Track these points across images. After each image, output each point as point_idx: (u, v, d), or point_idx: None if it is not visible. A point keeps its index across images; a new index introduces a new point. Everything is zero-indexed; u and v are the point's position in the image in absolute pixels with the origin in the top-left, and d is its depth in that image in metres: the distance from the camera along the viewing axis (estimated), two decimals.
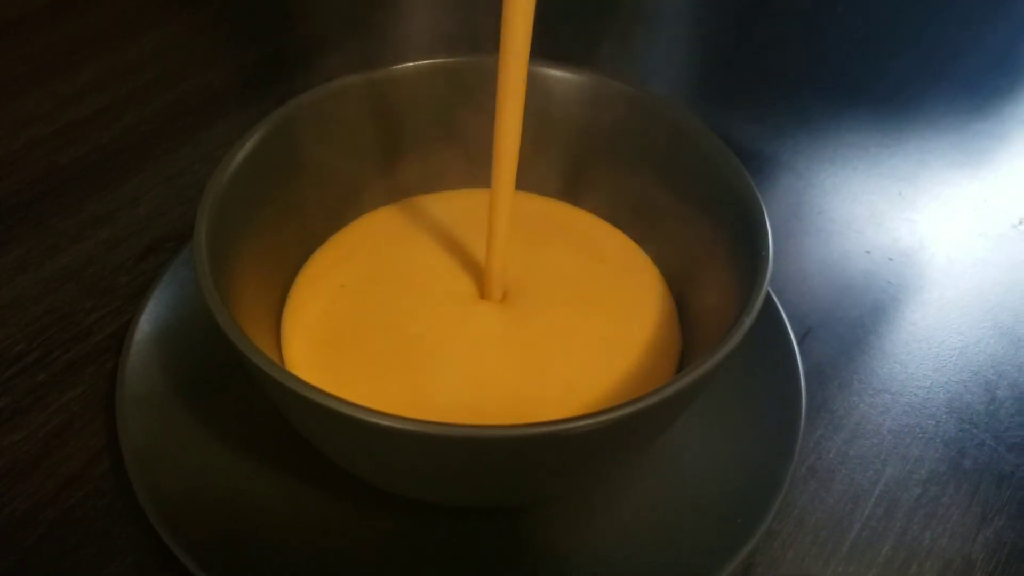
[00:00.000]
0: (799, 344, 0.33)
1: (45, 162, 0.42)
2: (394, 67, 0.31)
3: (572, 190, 0.35)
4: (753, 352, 0.29)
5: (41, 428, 0.31)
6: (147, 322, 0.32)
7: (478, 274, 0.31)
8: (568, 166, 0.34)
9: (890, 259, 0.40)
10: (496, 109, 0.27)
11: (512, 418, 0.25)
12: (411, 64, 0.32)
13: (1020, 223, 0.43)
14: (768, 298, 0.33)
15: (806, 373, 0.32)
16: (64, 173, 0.41)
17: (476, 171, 0.33)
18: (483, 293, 0.30)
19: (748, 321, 0.24)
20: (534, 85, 0.31)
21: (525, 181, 0.32)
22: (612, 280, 0.32)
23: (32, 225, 0.39)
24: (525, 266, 0.31)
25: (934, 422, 0.34)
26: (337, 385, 0.27)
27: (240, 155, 0.27)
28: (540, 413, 0.26)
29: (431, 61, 0.32)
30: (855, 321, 0.37)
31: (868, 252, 0.40)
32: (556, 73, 0.32)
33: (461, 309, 0.30)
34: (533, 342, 0.29)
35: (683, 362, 0.30)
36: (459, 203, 0.34)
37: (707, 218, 0.30)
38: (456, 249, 0.32)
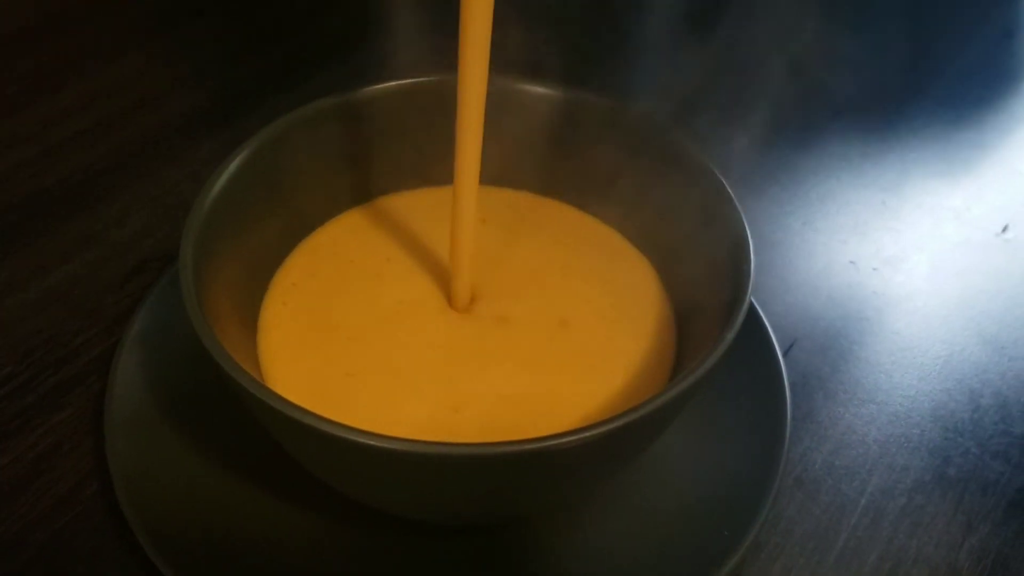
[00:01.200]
0: (784, 355, 0.33)
1: (31, 183, 0.42)
2: (372, 87, 0.32)
3: (547, 182, 0.34)
4: (738, 364, 0.30)
5: (29, 450, 0.31)
6: (134, 343, 0.32)
7: (446, 277, 0.31)
8: (543, 163, 0.34)
9: (874, 269, 0.40)
10: (458, 90, 0.26)
11: (484, 438, 0.25)
12: (390, 84, 0.32)
13: (1003, 231, 0.43)
14: (753, 309, 0.33)
15: (791, 384, 0.32)
16: (50, 194, 0.41)
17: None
18: (450, 300, 0.30)
19: (729, 337, 0.24)
20: (509, 101, 0.32)
21: (497, 175, 0.32)
22: (598, 276, 0.31)
23: (18, 246, 0.39)
24: (498, 265, 0.31)
25: (919, 431, 0.34)
26: (316, 402, 0.27)
27: (223, 178, 0.28)
28: (512, 431, 0.25)
29: (406, 81, 0.32)
30: (840, 331, 0.37)
31: (852, 262, 0.41)
32: (532, 89, 0.32)
33: (427, 319, 0.30)
34: (502, 353, 0.29)
35: (677, 366, 0.29)
36: (434, 200, 0.34)
37: (690, 229, 0.30)
38: (425, 251, 0.32)
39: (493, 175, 0.32)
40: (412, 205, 0.34)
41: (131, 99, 0.47)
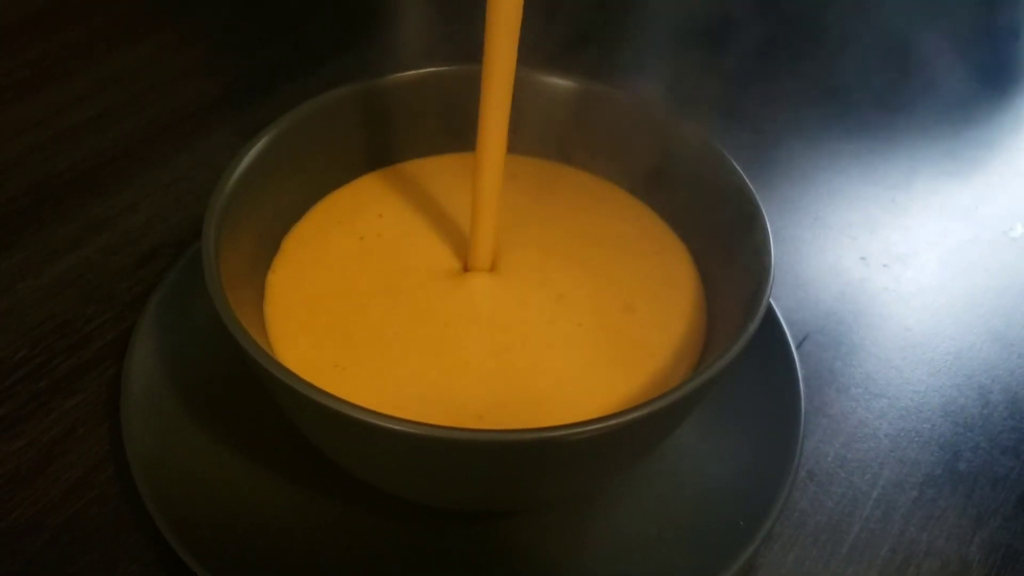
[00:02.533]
0: (797, 349, 0.33)
1: (43, 168, 0.42)
2: (389, 76, 0.32)
3: (571, 153, 0.34)
4: (753, 358, 0.30)
5: (44, 435, 0.31)
6: (148, 328, 0.32)
7: (464, 244, 0.30)
8: (565, 133, 0.33)
9: (884, 265, 0.40)
10: (484, 51, 0.26)
11: (494, 414, 0.25)
12: (409, 73, 0.32)
13: (1011, 229, 0.43)
14: (767, 304, 0.33)
15: (804, 378, 0.32)
16: (62, 179, 0.41)
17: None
18: (468, 264, 0.29)
19: (747, 336, 0.24)
20: (527, 95, 0.32)
21: (518, 144, 0.32)
22: (622, 247, 0.31)
23: (31, 231, 0.39)
24: (519, 231, 0.30)
25: (929, 426, 0.34)
26: (323, 374, 0.26)
27: (243, 164, 0.28)
28: (525, 412, 0.26)
29: (425, 70, 0.32)
30: (851, 327, 0.37)
31: (863, 258, 0.41)
32: (552, 81, 0.32)
33: (443, 284, 0.29)
34: (522, 324, 0.28)
35: (706, 346, 0.28)
36: (449, 167, 0.33)
37: (712, 219, 0.30)
38: (442, 217, 0.31)
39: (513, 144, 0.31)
40: (430, 170, 0.33)
41: (143, 86, 0.47)
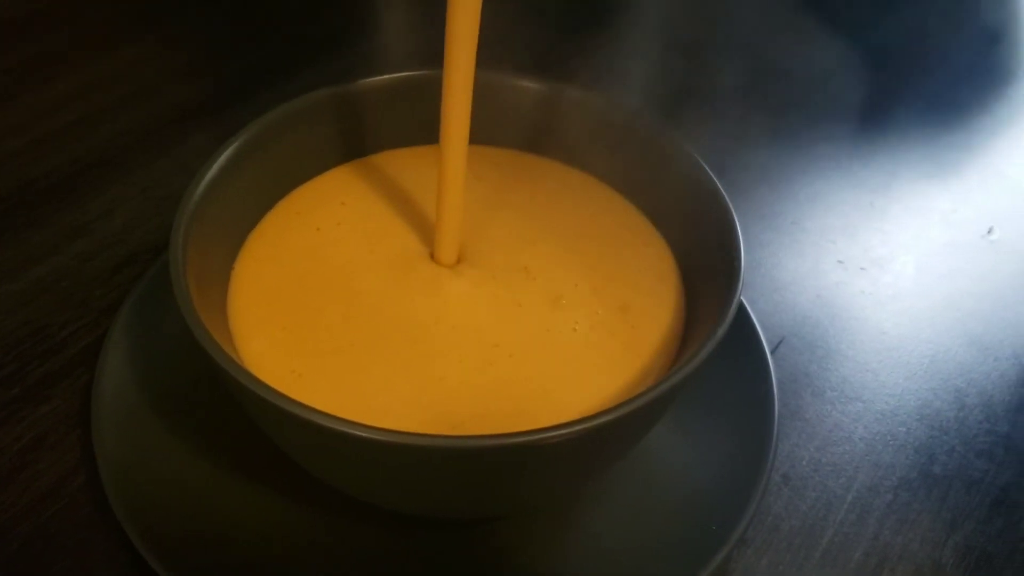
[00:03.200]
0: (772, 353, 0.33)
1: (20, 174, 0.41)
2: (362, 81, 0.32)
3: (540, 143, 0.33)
4: (726, 361, 0.30)
5: (15, 442, 0.31)
6: (122, 335, 0.32)
7: (430, 235, 0.29)
8: (540, 133, 0.33)
9: (862, 268, 0.41)
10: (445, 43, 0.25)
11: (462, 417, 0.25)
12: (380, 78, 0.32)
13: (989, 233, 0.43)
14: (741, 308, 0.33)
15: (779, 382, 0.32)
16: (39, 185, 0.41)
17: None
18: (435, 256, 0.28)
19: (714, 342, 0.24)
20: (500, 96, 0.32)
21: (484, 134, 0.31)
22: (596, 237, 0.30)
23: (6, 237, 0.38)
24: (486, 222, 0.30)
25: (905, 429, 0.34)
26: (282, 382, 0.25)
27: (214, 168, 0.28)
28: (500, 416, 0.25)
29: (397, 75, 0.32)
30: (827, 330, 0.37)
31: (841, 262, 0.41)
32: (524, 84, 0.32)
33: (411, 278, 0.28)
34: (490, 319, 0.27)
35: (682, 349, 0.28)
36: (421, 157, 0.33)
37: (688, 220, 0.30)
38: (408, 204, 0.31)
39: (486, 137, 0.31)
40: (400, 161, 0.33)
41: (121, 92, 0.47)
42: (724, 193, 0.28)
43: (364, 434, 0.21)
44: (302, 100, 0.31)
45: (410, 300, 0.28)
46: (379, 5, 0.57)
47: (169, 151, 0.43)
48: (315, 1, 0.55)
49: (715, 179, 0.29)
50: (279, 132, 0.30)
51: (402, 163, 0.33)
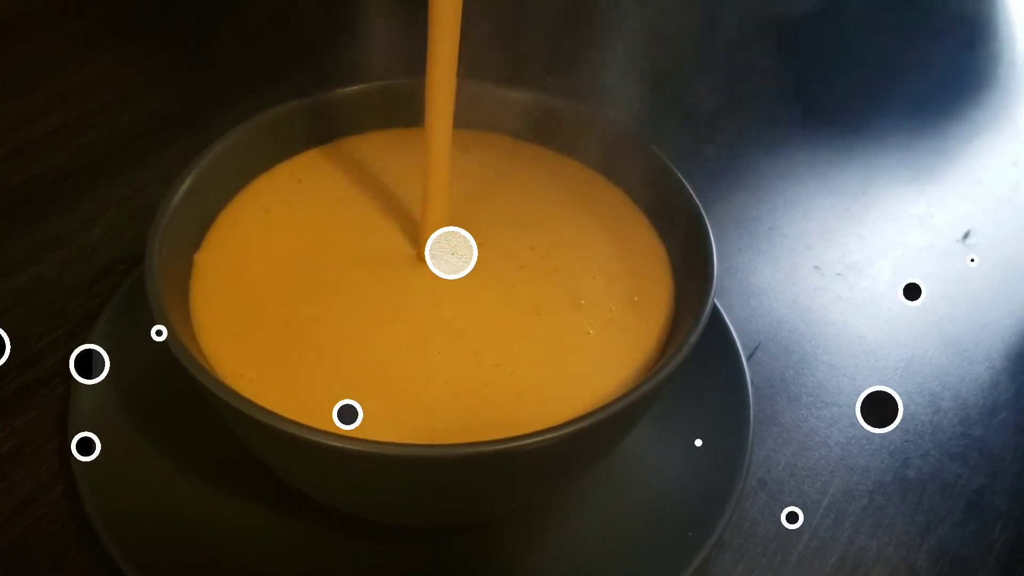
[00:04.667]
0: (748, 358, 0.34)
1: None
2: (337, 91, 0.32)
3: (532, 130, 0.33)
4: (702, 367, 0.30)
5: None
6: (99, 345, 0.32)
7: (414, 228, 0.28)
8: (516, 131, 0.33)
9: (838, 274, 0.41)
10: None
11: (446, 422, 0.24)
12: (356, 87, 0.32)
13: (965, 238, 0.44)
14: (717, 313, 0.34)
15: (755, 387, 0.32)
16: (17, 195, 0.41)
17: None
18: (420, 253, 0.28)
19: (687, 348, 0.24)
20: (477, 104, 0.32)
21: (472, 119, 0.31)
22: (589, 232, 0.30)
23: None
24: (473, 212, 0.29)
25: (880, 434, 0.34)
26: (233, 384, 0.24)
27: (188, 180, 0.28)
28: (479, 419, 0.24)
29: (374, 84, 0.32)
30: (804, 335, 0.38)
31: (817, 267, 0.41)
32: (501, 92, 0.32)
33: (392, 274, 0.27)
34: (476, 320, 0.27)
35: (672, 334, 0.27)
36: (390, 140, 0.32)
37: (665, 227, 0.30)
38: (390, 198, 0.30)
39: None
40: (370, 143, 0.32)
41: (100, 101, 0.46)
42: (697, 201, 0.28)
43: (328, 443, 0.21)
44: (279, 109, 0.31)
45: (387, 297, 0.27)
46: (359, 13, 0.57)
47: (148, 160, 0.43)
48: (295, 9, 0.55)
49: (692, 193, 0.29)
50: (257, 142, 0.30)
51: (373, 144, 0.32)
